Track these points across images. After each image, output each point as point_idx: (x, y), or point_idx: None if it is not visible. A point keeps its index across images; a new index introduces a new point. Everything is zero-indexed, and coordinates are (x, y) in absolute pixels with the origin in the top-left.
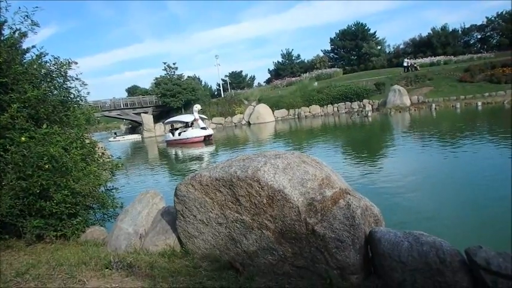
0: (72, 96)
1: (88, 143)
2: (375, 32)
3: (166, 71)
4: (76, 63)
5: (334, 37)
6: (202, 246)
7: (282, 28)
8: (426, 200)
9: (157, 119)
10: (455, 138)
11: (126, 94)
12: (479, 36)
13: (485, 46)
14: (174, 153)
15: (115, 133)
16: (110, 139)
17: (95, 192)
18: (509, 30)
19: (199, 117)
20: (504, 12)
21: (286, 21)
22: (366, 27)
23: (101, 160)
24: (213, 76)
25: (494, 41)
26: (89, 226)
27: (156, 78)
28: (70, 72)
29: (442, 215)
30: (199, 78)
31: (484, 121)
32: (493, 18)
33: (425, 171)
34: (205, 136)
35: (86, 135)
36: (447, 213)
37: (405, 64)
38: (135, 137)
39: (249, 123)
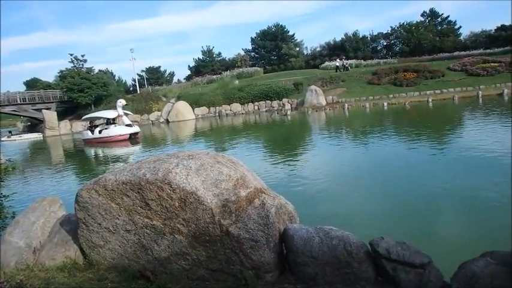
0: None
1: None
2: (293, 34)
3: (74, 63)
4: None
5: (255, 37)
6: (109, 256)
7: (203, 24)
8: (341, 194)
9: (62, 115)
10: (367, 134)
11: (24, 88)
12: (385, 43)
13: (390, 52)
14: (93, 153)
15: (10, 131)
16: (2, 139)
17: None
18: (409, 39)
19: (124, 113)
20: (405, 23)
21: (208, 17)
22: (285, 29)
23: None
24: (128, 71)
25: (397, 48)
26: None
27: (61, 71)
28: None
29: (355, 209)
30: (112, 73)
31: (390, 119)
32: (396, 28)
33: (341, 167)
34: (130, 134)
35: None
36: (360, 206)
37: (337, 64)
38: (35, 135)
39: (167, 121)
